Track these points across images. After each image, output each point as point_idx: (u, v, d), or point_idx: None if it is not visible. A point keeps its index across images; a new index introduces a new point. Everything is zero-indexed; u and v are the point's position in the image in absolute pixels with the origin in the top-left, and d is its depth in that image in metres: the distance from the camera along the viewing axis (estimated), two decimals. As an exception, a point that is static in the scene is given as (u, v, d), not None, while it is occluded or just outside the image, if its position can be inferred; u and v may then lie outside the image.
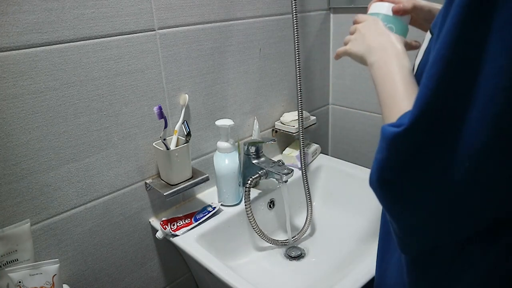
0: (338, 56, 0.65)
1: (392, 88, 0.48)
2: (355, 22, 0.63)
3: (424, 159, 0.39)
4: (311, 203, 1.07)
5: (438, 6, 0.63)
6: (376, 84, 0.51)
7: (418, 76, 0.49)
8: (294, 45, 1.00)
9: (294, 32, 0.98)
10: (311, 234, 1.08)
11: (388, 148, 0.41)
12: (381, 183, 0.43)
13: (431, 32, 0.47)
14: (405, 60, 0.51)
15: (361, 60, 0.58)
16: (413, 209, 0.42)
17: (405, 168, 0.41)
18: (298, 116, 1.06)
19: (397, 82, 0.48)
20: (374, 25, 0.58)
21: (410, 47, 0.61)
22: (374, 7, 0.64)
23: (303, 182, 1.07)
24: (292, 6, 0.96)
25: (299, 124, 1.07)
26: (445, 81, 0.37)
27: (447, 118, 0.38)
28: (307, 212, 1.06)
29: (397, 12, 0.61)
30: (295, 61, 1.02)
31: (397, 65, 0.50)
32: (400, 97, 0.46)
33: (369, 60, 0.55)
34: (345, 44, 0.63)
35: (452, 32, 0.36)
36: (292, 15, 0.96)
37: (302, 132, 1.08)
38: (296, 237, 1.02)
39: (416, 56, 0.52)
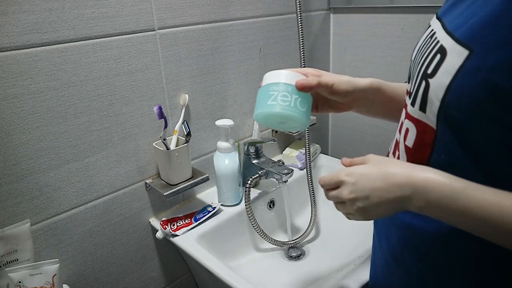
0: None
1: (489, 216, 0.39)
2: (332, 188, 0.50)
3: None
4: (315, 205, 1.06)
5: (345, 78, 0.57)
6: (456, 221, 0.41)
7: (454, 101, 0.41)
8: (299, 45, 1.00)
9: (299, 31, 0.98)
10: (311, 235, 1.08)
11: None
12: None
13: (466, 47, 0.40)
14: (451, 184, 0.41)
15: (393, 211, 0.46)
16: None
17: None
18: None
19: (486, 207, 0.39)
20: (364, 178, 0.46)
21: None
22: (270, 77, 0.55)
23: (308, 185, 1.06)
24: (296, 6, 0.96)
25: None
26: None
27: None
28: (311, 214, 1.06)
29: (303, 89, 0.53)
30: (300, 61, 1.01)
31: (459, 199, 0.40)
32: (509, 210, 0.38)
33: (413, 208, 0.44)
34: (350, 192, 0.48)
35: None
36: (297, 15, 0.96)
37: (307, 131, 1.07)
38: (299, 239, 1.02)
39: (430, 75, 0.44)
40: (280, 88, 0.54)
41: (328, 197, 0.51)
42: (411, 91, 0.49)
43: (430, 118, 0.45)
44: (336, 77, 0.57)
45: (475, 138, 0.41)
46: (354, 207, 0.47)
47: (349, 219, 0.51)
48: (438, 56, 0.43)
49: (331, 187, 0.50)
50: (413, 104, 0.48)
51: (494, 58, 0.37)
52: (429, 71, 0.44)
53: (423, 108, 0.46)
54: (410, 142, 0.49)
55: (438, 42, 0.45)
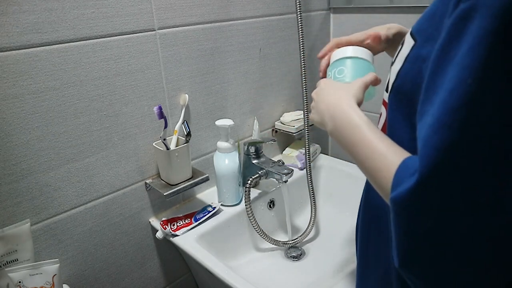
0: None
1: (365, 153, 0.44)
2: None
3: (462, 205, 0.34)
4: (315, 205, 1.06)
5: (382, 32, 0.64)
6: (347, 151, 0.49)
7: (400, 85, 0.46)
8: (299, 45, 1.00)
9: (299, 31, 0.98)
10: (311, 234, 1.08)
11: (411, 210, 0.36)
12: (419, 260, 0.37)
13: (413, 38, 0.45)
14: (356, 119, 0.48)
15: (323, 128, 0.56)
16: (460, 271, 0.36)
17: (444, 225, 0.35)
18: (304, 115, 1.06)
19: (366, 145, 0.44)
20: (322, 90, 0.56)
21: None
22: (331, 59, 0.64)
23: (308, 185, 1.06)
24: (296, 6, 0.96)
25: (304, 123, 1.06)
26: (471, 111, 0.33)
27: (478, 153, 0.33)
28: (311, 214, 1.06)
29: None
30: (300, 61, 1.01)
31: (353, 131, 0.47)
32: (379, 155, 0.42)
33: (327, 130, 0.53)
34: (316, 94, 0.60)
35: (475, 57, 0.32)
36: (297, 15, 0.96)
37: (307, 131, 1.07)
38: (299, 239, 1.02)
39: (392, 63, 0.49)
40: (332, 67, 0.64)
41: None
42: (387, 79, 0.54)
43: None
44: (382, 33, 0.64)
45: (415, 121, 0.43)
46: (313, 103, 0.59)
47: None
48: (400, 46, 0.49)
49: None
50: (386, 90, 0.53)
51: (426, 50, 0.42)
52: (393, 60, 0.50)
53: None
54: (380, 125, 0.55)
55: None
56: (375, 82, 0.56)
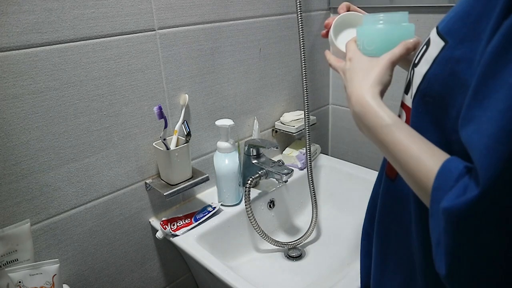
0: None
1: (397, 155, 0.42)
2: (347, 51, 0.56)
3: None
4: (316, 206, 1.06)
5: None
6: (378, 146, 0.46)
7: (428, 88, 0.44)
8: (300, 45, 1.00)
9: (299, 31, 0.98)
10: (311, 235, 1.08)
11: (470, 223, 0.34)
12: (461, 276, 0.36)
13: (443, 39, 0.43)
14: (383, 117, 0.45)
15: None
16: None
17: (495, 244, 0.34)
18: (304, 115, 1.05)
19: (398, 147, 0.42)
20: (349, 70, 0.53)
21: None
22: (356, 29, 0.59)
23: (309, 185, 1.06)
24: (297, 6, 0.96)
25: (305, 123, 1.06)
26: None
27: None
28: (312, 215, 1.06)
29: None
30: (301, 61, 1.01)
31: (382, 130, 0.44)
32: (412, 159, 0.41)
33: (356, 122, 0.50)
34: (343, 72, 0.56)
35: None
36: (297, 15, 0.96)
37: (308, 131, 1.07)
38: (300, 240, 1.02)
39: (416, 64, 0.47)
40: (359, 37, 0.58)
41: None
42: (406, 80, 0.52)
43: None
44: None
45: (445, 124, 0.42)
46: (345, 72, 0.54)
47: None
48: (425, 47, 0.46)
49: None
50: (406, 92, 0.51)
51: (461, 51, 0.40)
52: (416, 61, 0.48)
53: (411, 95, 0.49)
54: None
55: (429, 35, 0.48)
56: (406, 52, 0.51)
